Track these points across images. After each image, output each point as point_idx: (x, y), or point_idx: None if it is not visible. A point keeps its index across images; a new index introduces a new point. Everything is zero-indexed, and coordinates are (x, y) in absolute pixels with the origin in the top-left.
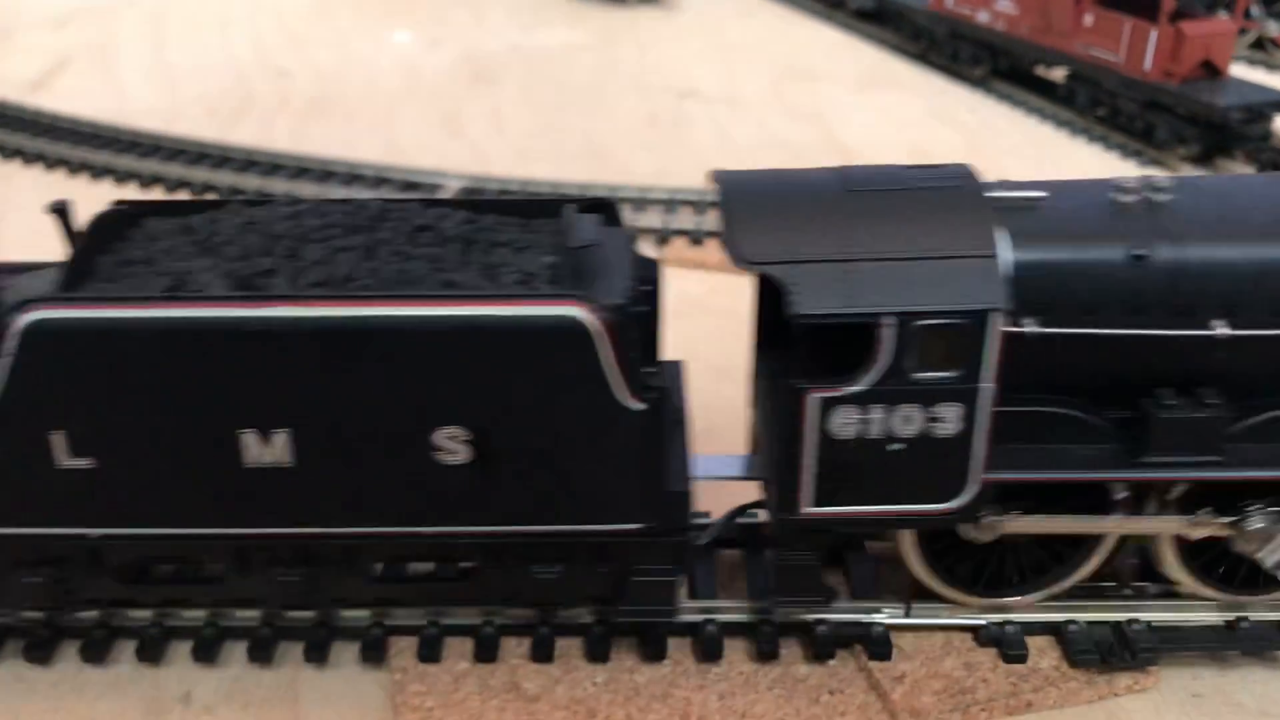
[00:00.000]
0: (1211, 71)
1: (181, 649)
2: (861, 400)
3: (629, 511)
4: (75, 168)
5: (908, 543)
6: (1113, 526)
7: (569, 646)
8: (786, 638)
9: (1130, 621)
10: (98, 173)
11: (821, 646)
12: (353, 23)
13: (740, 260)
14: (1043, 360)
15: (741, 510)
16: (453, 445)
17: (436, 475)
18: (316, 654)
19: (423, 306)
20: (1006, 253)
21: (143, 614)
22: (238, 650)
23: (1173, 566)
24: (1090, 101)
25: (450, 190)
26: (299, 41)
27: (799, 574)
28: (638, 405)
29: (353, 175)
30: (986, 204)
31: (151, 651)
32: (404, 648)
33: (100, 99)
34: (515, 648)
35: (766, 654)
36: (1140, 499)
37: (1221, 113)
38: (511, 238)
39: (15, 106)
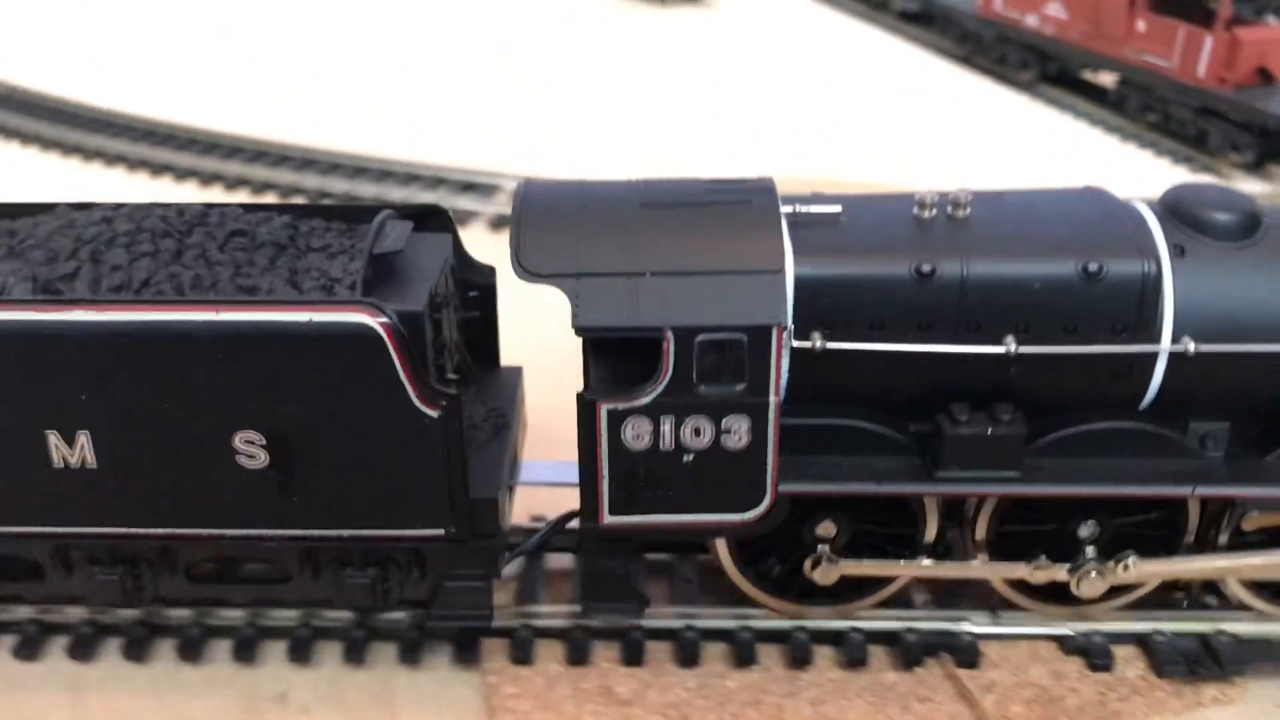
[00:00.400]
0: (1266, 78)
1: (276, 648)
2: (650, 412)
3: (432, 518)
4: (133, 164)
5: (722, 549)
6: (953, 571)
7: (658, 650)
8: (874, 645)
9: (1217, 633)
10: (156, 170)
11: (909, 654)
12: (395, 19)
13: (522, 273)
14: (840, 374)
15: (570, 516)
16: (251, 450)
17: (238, 479)
18: (411, 655)
19: (211, 311)
20: (794, 267)
21: (237, 613)
22: (331, 650)
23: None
24: (1141, 107)
25: (508, 191)
26: (342, 35)
27: (607, 581)
28: (432, 412)
29: (410, 175)
30: (777, 219)
31: (246, 651)
32: (496, 649)
33: (150, 92)
34: (604, 650)
35: (855, 661)
36: (949, 513)
37: (1277, 120)
38: (328, 243)
39: (71, 102)
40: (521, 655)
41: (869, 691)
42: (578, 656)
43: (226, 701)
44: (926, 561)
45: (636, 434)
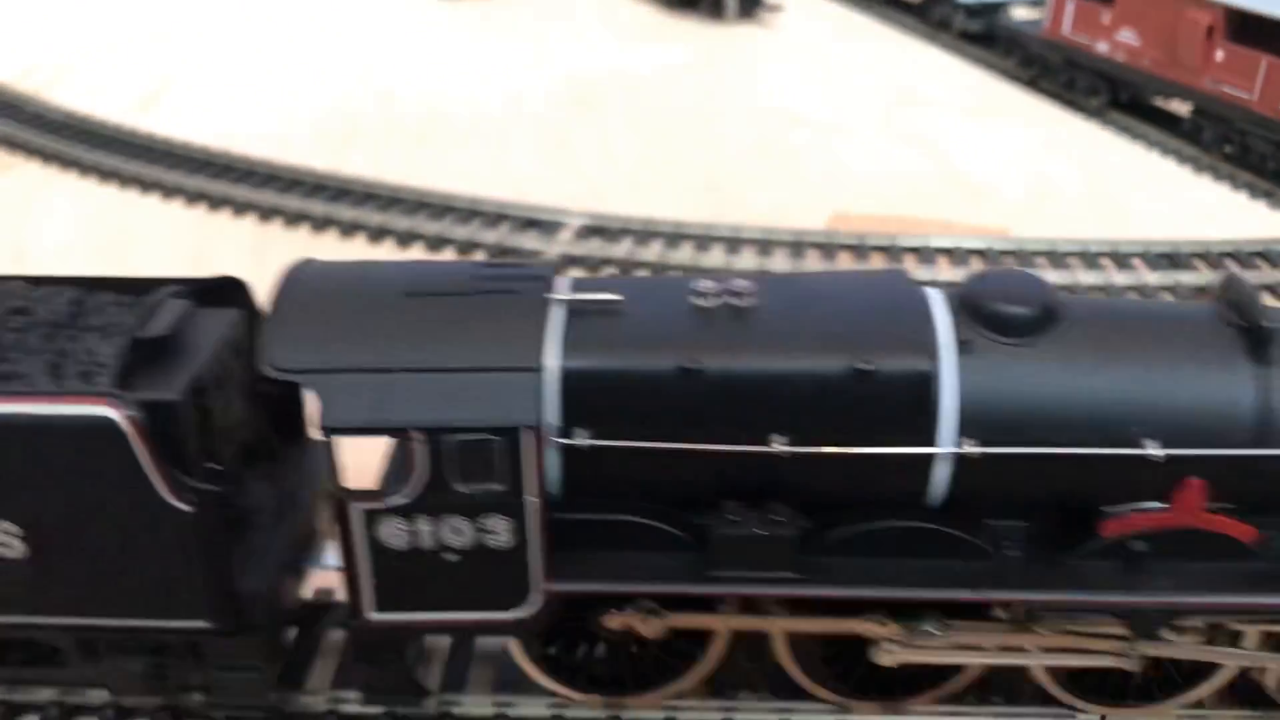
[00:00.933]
0: None
1: None
2: (406, 512)
3: (194, 609)
4: (192, 197)
5: (513, 645)
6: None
7: None
8: None
9: None
10: (215, 203)
11: None
12: (452, 41)
13: (270, 368)
14: (616, 470)
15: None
16: (7, 539)
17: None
18: None
19: None
20: (557, 362)
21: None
22: None
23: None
24: (1218, 139)
25: (571, 228)
26: (399, 61)
27: (386, 674)
28: (185, 507)
29: (472, 211)
30: (541, 313)
31: None
32: None
33: (207, 121)
34: None
35: None
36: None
37: None
38: (108, 322)
39: (128, 130)
40: None
41: None
42: None
43: None
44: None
45: (394, 534)
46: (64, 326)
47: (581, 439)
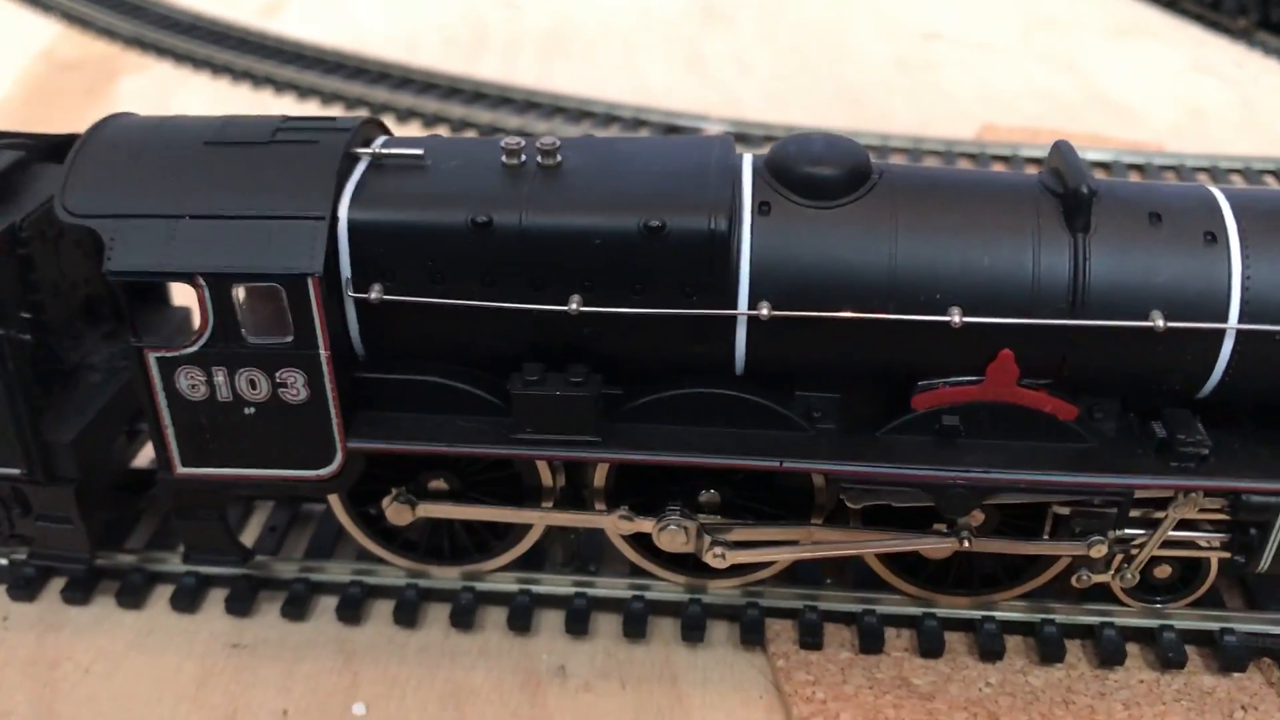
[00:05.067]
0: None
1: (550, 619)
2: (201, 362)
3: (10, 456)
4: (328, 98)
5: (335, 503)
6: (536, 518)
7: (953, 641)
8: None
9: None
10: (351, 104)
11: (1229, 657)
12: None
13: (62, 212)
14: (415, 328)
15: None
16: None
17: None
18: (693, 633)
19: None
20: (347, 211)
21: (509, 581)
22: (607, 623)
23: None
24: None
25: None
26: None
27: (203, 531)
28: None
29: (610, 116)
30: (335, 164)
31: (520, 621)
32: (780, 631)
33: (334, 26)
34: (896, 639)
35: (1170, 662)
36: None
37: None
38: None
39: (256, 32)
40: (810, 640)
41: (1185, 696)
42: (871, 645)
43: (503, 673)
44: (543, 509)
45: (191, 383)
46: None
47: (375, 294)
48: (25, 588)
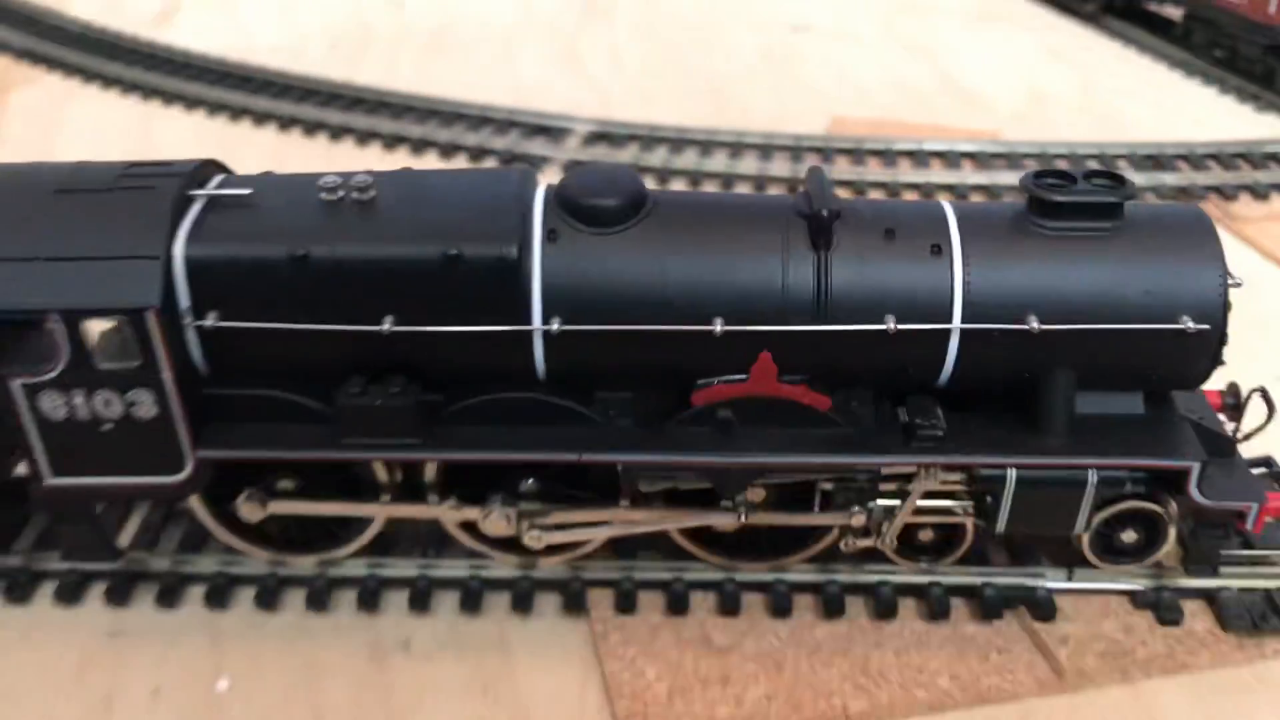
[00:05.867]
0: None
1: (396, 598)
2: (60, 386)
3: None
4: (213, 108)
5: (196, 506)
6: (376, 511)
7: (752, 602)
8: (955, 597)
9: None
10: (235, 113)
11: (988, 607)
12: None
13: None
14: (247, 349)
15: None
16: None
17: None
18: (522, 605)
19: None
20: (183, 249)
21: (359, 566)
22: (447, 599)
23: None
24: (1208, 43)
25: (579, 135)
26: None
27: (77, 534)
28: None
29: (483, 118)
30: (170, 206)
31: (369, 601)
32: (599, 599)
33: (223, 34)
34: (702, 601)
35: (937, 614)
36: (410, 483)
37: None
38: None
39: (145, 43)
40: (625, 605)
41: (950, 642)
42: (677, 607)
43: (354, 647)
44: (381, 504)
45: (53, 405)
46: None
47: (210, 320)
48: None
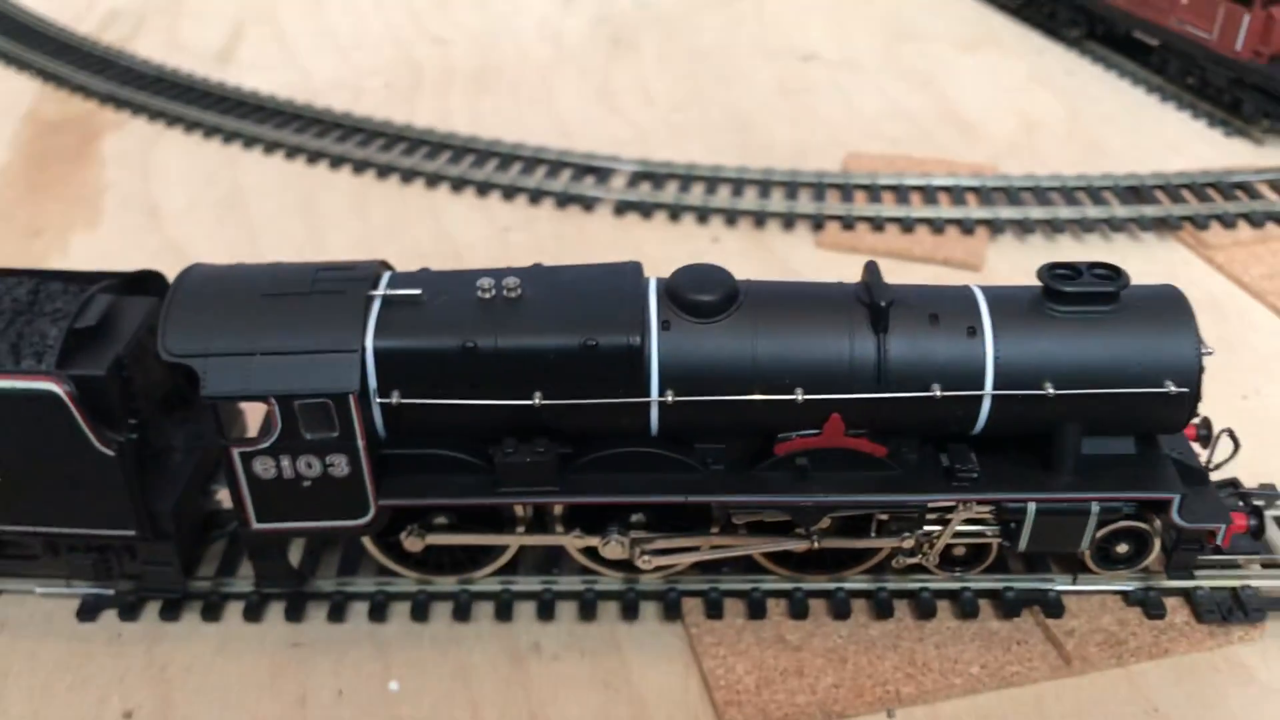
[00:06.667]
0: None
1: (525, 609)
2: (271, 453)
3: (125, 522)
4: (291, 151)
5: (368, 543)
6: (513, 540)
7: (816, 607)
8: (982, 599)
9: (1244, 587)
10: (311, 156)
11: (1009, 607)
12: None
13: (163, 353)
14: (424, 419)
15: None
16: None
17: None
18: (630, 612)
19: None
20: (372, 342)
21: (493, 583)
22: (568, 609)
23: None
24: (1181, 72)
25: (623, 174)
26: (443, 3)
27: (271, 565)
28: (109, 451)
29: (537, 159)
30: (361, 308)
31: (504, 612)
32: (691, 607)
33: (283, 72)
34: (775, 607)
35: (968, 613)
36: (540, 517)
37: None
38: (57, 308)
39: (217, 84)
40: (713, 611)
41: (979, 637)
42: (756, 613)
43: (495, 651)
44: (517, 535)
45: (264, 468)
46: (23, 313)
47: (394, 398)
48: (130, 611)
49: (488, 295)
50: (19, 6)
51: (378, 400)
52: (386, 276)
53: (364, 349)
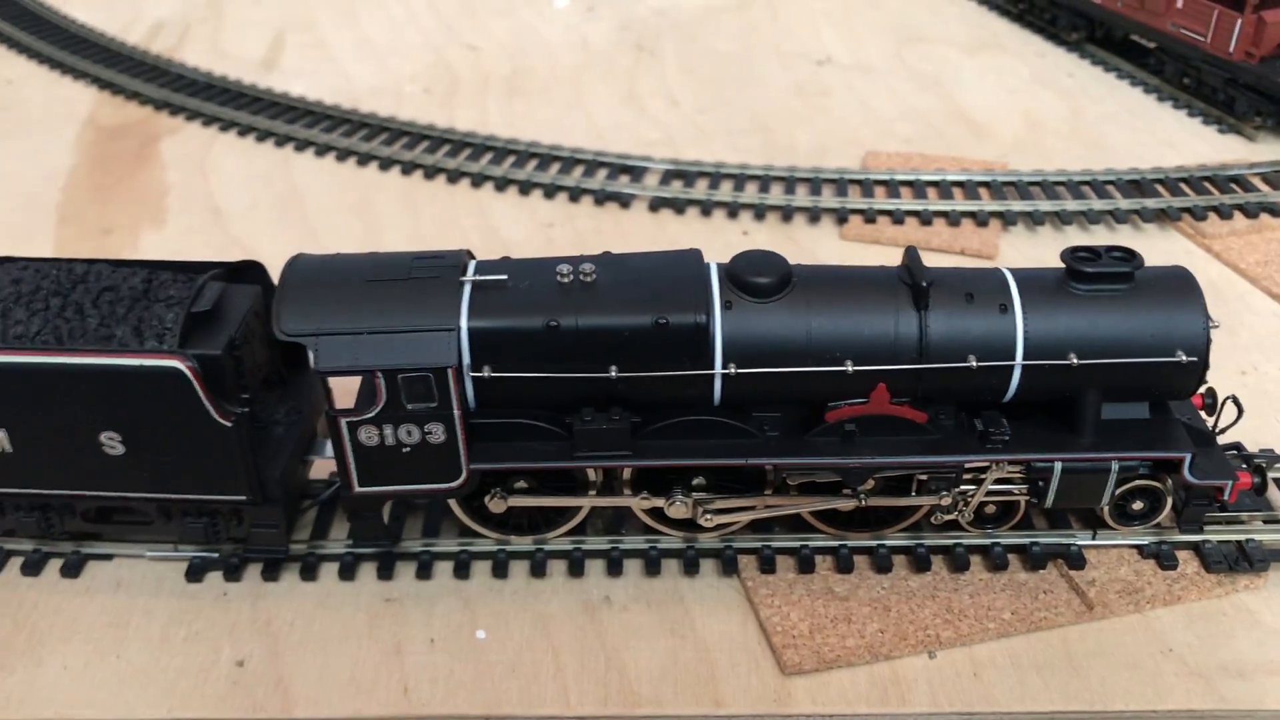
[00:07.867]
0: None
1: (595, 565)
2: (375, 422)
3: (236, 488)
4: (342, 153)
5: (454, 505)
6: (585, 503)
7: (860, 562)
8: (1012, 554)
9: (1248, 540)
10: (363, 159)
11: (1035, 560)
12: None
13: (280, 333)
14: (511, 391)
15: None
16: (112, 443)
17: (109, 459)
18: (690, 568)
19: (78, 357)
20: (466, 322)
21: (565, 542)
22: (634, 565)
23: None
24: (1177, 73)
25: (655, 173)
26: (472, 11)
27: (367, 525)
28: (226, 423)
29: (574, 159)
30: (457, 289)
31: (576, 568)
32: (746, 563)
33: (327, 77)
34: (823, 563)
35: (999, 566)
36: (610, 481)
37: None
38: (170, 295)
39: (265, 90)
40: (766, 567)
41: (1009, 587)
42: (806, 568)
43: (570, 603)
44: (590, 497)
45: (368, 436)
46: (139, 300)
47: (485, 372)
48: (234, 571)
49: (566, 280)
50: (71, 19)
51: (470, 374)
52: (472, 264)
53: (459, 328)
